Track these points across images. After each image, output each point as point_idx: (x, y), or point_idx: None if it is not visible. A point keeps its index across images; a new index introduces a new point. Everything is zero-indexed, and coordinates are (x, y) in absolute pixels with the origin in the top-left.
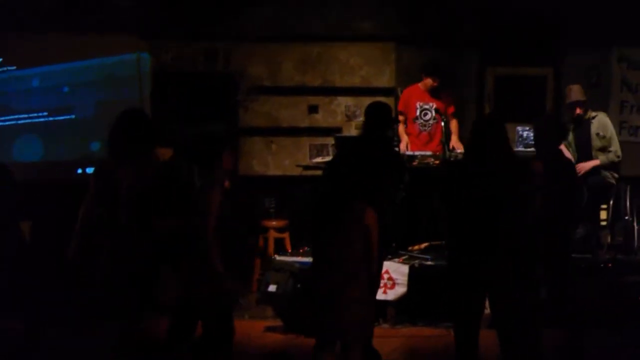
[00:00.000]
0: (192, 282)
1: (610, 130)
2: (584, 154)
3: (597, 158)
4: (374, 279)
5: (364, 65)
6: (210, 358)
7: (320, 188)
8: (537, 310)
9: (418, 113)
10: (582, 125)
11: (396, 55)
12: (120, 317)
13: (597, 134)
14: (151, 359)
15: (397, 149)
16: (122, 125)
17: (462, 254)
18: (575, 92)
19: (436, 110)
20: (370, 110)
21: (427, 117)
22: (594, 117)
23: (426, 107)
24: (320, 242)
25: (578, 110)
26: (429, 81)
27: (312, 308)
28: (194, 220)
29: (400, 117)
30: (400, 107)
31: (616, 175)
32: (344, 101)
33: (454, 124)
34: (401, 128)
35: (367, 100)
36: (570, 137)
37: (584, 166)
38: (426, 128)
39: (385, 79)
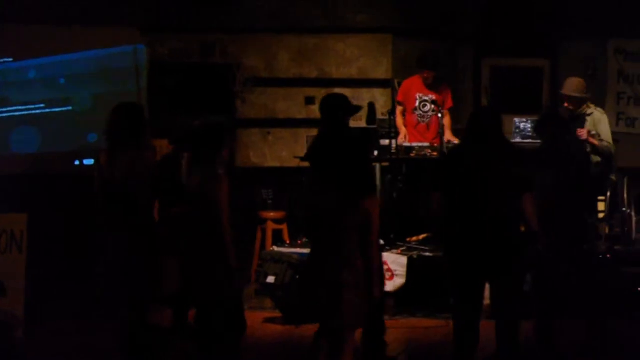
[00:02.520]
0: (203, 274)
1: (604, 129)
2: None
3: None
4: (373, 265)
5: (361, 57)
6: (219, 349)
7: (309, 178)
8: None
9: (417, 104)
10: (578, 120)
11: (393, 47)
12: (124, 310)
13: (589, 131)
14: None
15: (394, 140)
16: (116, 118)
17: (462, 242)
18: (568, 86)
19: (433, 102)
20: (329, 101)
21: (426, 108)
22: (589, 114)
23: (425, 98)
24: (318, 229)
25: (566, 104)
26: (424, 74)
27: (307, 293)
28: (199, 212)
29: (399, 108)
30: (399, 98)
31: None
32: (340, 92)
33: (447, 119)
34: (399, 120)
35: (364, 92)
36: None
37: (583, 133)
38: (424, 119)
39: (381, 71)
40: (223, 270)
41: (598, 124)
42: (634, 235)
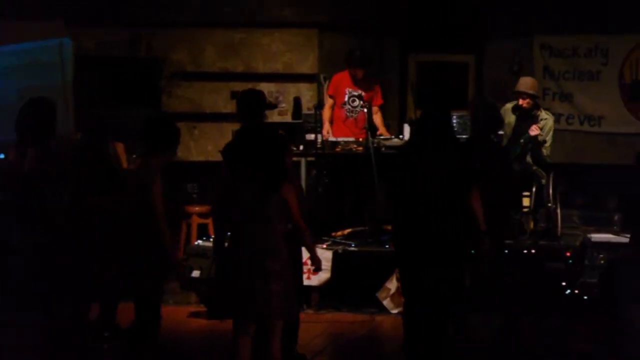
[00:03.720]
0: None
1: (550, 135)
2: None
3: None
4: (298, 253)
5: (287, 51)
6: (140, 346)
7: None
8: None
9: (346, 99)
10: (528, 121)
11: (319, 41)
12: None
13: (536, 138)
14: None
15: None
16: (25, 113)
17: (411, 237)
18: (523, 83)
19: (359, 97)
20: (243, 98)
21: (355, 103)
22: (542, 119)
23: (355, 94)
24: (238, 220)
25: (521, 101)
26: (353, 71)
27: (230, 286)
28: (139, 201)
29: (330, 101)
30: (330, 92)
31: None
32: (266, 87)
33: (378, 116)
34: (326, 114)
35: (289, 87)
36: (512, 119)
37: (535, 129)
38: (353, 114)
39: (307, 66)
40: (160, 260)
41: (549, 132)
42: (559, 230)
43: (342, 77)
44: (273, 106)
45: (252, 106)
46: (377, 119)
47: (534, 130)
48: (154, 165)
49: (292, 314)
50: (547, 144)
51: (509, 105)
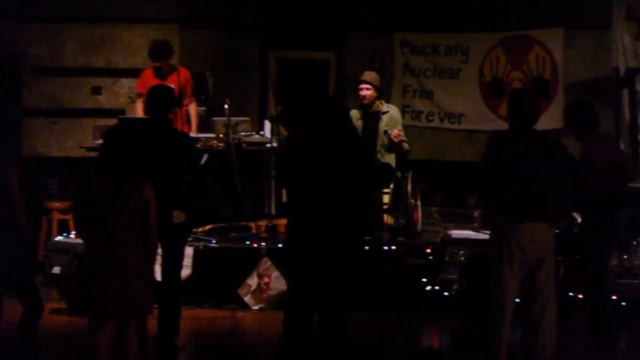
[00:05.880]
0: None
1: (399, 125)
2: (370, 146)
3: (383, 156)
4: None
5: (147, 47)
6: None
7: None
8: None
9: None
10: (371, 117)
11: (180, 37)
12: None
13: (385, 132)
14: None
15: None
16: None
17: (305, 230)
18: (366, 74)
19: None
20: (153, 93)
21: None
22: (384, 112)
23: None
24: (96, 217)
25: (364, 92)
26: (157, 64)
27: (88, 283)
28: None
29: (140, 100)
30: (140, 89)
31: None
32: (127, 83)
33: (193, 107)
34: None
35: None
36: (358, 124)
37: (396, 134)
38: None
39: None
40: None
41: (395, 122)
42: (418, 227)
43: (150, 73)
44: (179, 104)
45: (159, 102)
46: (192, 110)
47: (397, 137)
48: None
49: (148, 311)
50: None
51: (354, 112)
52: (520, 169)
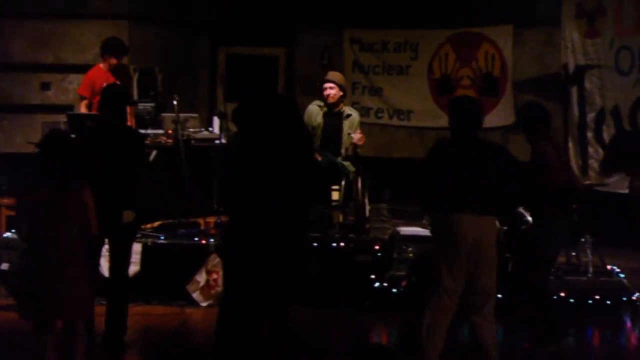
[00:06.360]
0: None
1: (358, 129)
2: (333, 147)
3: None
4: (94, 256)
5: (97, 43)
6: None
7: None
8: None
9: None
10: (333, 117)
11: (129, 34)
12: None
13: (349, 134)
14: None
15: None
16: None
17: (244, 228)
18: (332, 74)
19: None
20: (109, 93)
21: None
22: (348, 116)
23: None
24: (37, 220)
25: (328, 90)
26: (113, 61)
27: (29, 287)
28: None
29: (84, 102)
30: (83, 91)
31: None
32: (76, 79)
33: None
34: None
35: None
36: (319, 121)
37: (359, 138)
38: None
39: None
40: None
41: (357, 127)
42: (368, 224)
43: (95, 74)
44: (134, 102)
45: (114, 100)
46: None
47: (359, 140)
48: None
49: (90, 313)
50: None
51: (313, 107)
52: (452, 167)
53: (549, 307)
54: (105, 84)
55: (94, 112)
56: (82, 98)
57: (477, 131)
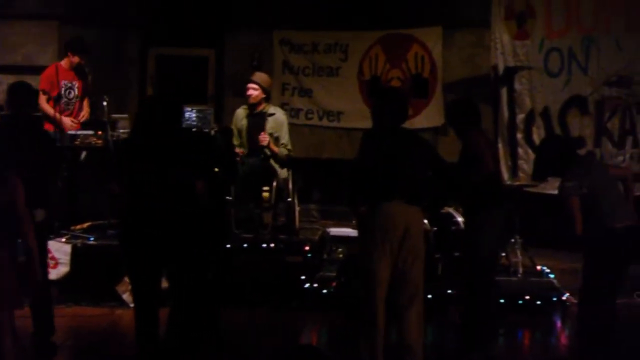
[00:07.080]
0: None
1: (285, 132)
2: (257, 146)
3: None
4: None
5: (26, 43)
6: None
7: None
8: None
9: (63, 92)
10: (256, 117)
11: (59, 34)
12: None
13: (271, 134)
14: None
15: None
16: None
17: (138, 227)
18: (257, 75)
19: (74, 88)
20: (17, 89)
21: (71, 95)
22: (271, 115)
23: (70, 85)
24: None
25: (250, 91)
26: (75, 59)
27: None
28: None
29: (43, 97)
30: (44, 86)
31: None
32: (5, 79)
33: (86, 102)
34: (49, 109)
35: (29, 79)
36: (243, 123)
37: (264, 139)
38: (70, 107)
39: (47, 58)
40: None
41: (281, 126)
42: (297, 224)
43: (56, 69)
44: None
45: (23, 98)
46: (85, 105)
47: (263, 140)
48: None
49: (18, 304)
50: (284, 140)
51: (240, 110)
52: (379, 157)
53: (487, 309)
54: (63, 81)
55: (51, 105)
56: (44, 93)
57: (403, 120)
